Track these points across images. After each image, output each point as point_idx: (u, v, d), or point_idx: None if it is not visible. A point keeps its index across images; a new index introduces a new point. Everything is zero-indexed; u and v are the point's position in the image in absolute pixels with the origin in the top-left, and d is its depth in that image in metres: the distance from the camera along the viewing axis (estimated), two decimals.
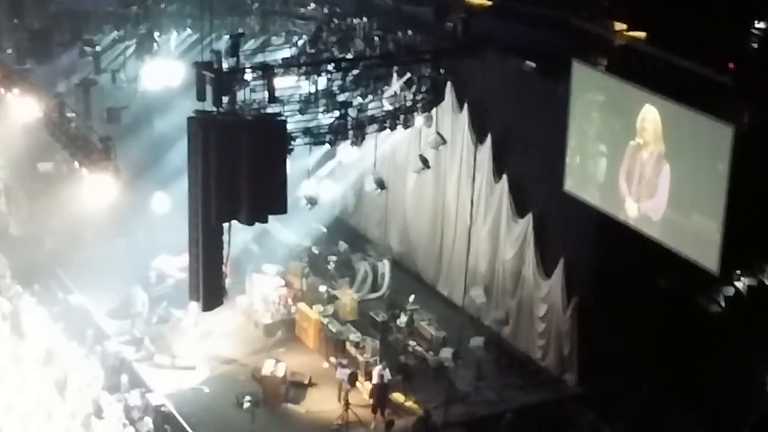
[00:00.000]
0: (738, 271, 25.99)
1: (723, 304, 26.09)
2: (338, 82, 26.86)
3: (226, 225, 23.88)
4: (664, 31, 26.03)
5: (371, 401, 27.74)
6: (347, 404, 27.25)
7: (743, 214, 23.61)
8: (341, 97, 26.55)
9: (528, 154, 29.84)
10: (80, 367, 27.70)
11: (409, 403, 28.09)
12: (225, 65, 23.73)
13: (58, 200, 31.38)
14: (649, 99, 24.98)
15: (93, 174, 24.54)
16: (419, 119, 28.79)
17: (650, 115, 24.95)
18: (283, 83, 25.55)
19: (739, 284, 26.07)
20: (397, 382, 28.12)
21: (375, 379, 27.85)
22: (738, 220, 23.60)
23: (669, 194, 24.83)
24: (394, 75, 29.51)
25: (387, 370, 27.96)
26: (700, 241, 24.42)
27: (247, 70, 24.22)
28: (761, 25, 25.55)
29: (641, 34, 27.13)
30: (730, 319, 25.68)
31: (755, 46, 25.32)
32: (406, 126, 28.23)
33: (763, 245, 25.48)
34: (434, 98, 29.23)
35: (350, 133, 26.57)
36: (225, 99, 23.54)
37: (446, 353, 29.60)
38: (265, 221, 24.56)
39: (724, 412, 24.88)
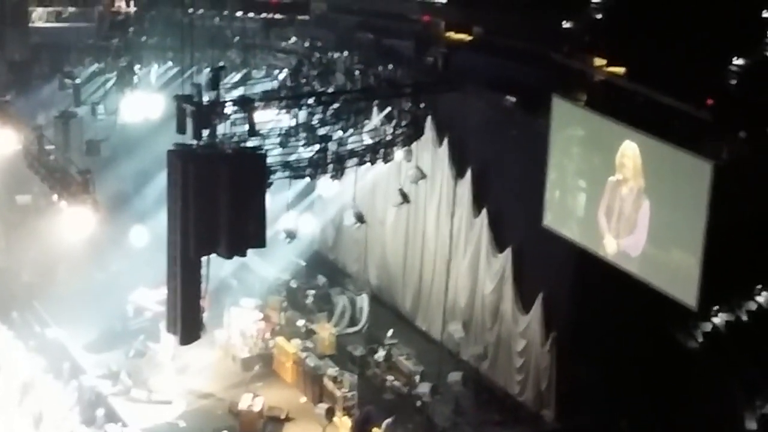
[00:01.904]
0: (716, 307, 26.08)
1: (701, 339, 26.15)
2: (319, 116, 26.88)
3: (204, 258, 23.78)
4: (643, 66, 26.22)
5: None
6: None
7: (722, 250, 23.67)
8: (321, 131, 26.54)
9: (508, 189, 29.86)
10: (56, 401, 27.49)
11: None
12: (205, 98, 23.70)
13: (36, 232, 31.27)
14: (628, 134, 25.05)
15: (71, 206, 24.45)
16: (399, 153, 28.82)
17: (630, 151, 25.01)
18: (264, 117, 25.55)
19: (716, 320, 26.15)
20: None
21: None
22: (717, 256, 23.65)
23: (648, 230, 24.87)
24: (375, 109, 29.57)
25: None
26: (679, 276, 24.45)
27: (228, 104, 24.20)
28: (739, 61, 25.76)
29: (621, 70, 27.34)
30: (708, 355, 25.72)
31: (734, 82, 25.52)
32: (386, 160, 28.24)
33: (741, 281, 25.60)
34: (414, 132, 29.27)
35: (330, 166, 26.54)
36: (205, 132, 23.48)
37: (424, 388, 29.49)
38: (244, 255, 24.46)
39: None
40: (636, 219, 25.12)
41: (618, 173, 25.42)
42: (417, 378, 30.14)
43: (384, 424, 27.13)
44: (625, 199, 25.40)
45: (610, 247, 25.95)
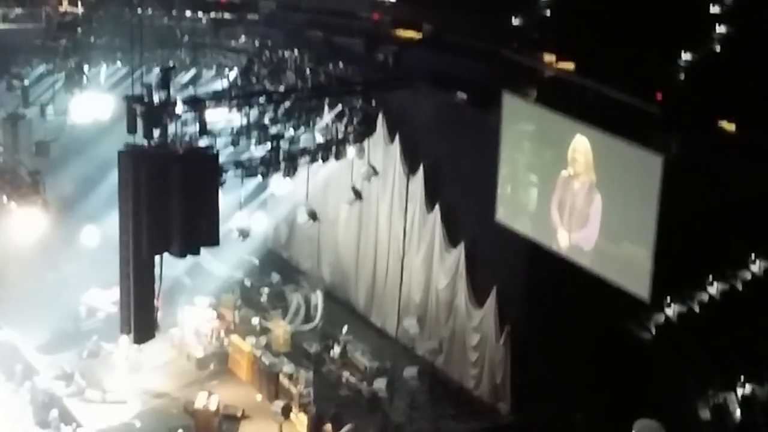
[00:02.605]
0: (668, 299, 26.31)
1: (654, 330, 26.37)
2: (270, 115, 26.95)
3: (157, 258, 23.75)
4: (592, 62, 26.39)
5: None
6: None
7: (673, 242, 23.91)
8: (273, 130, 26.62)
9: (460, 184, 29.96)
10: (9, 403, 27.31)
11: None
12: (156, 98, 23.67)
13: None
14: (579, 129, 25.23)
15: (21, 208, 24.34)
16: (351, 151, 28.91)
17: (581, 146, 25.19)
18: (215, 116, 25.53)
19: (669, 311, 26.39)
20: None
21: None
22: (668, 248, 23.87)
23: (600, 224, 25.07)
24: (326, 107, 29.56)
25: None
26: (631, 269, 24.66)
27: (178, 103, 24.17)
28: (687, 56, 26.01)
29: (570, 66, 27.49)
30: (661, 346, 25.94)
31: (682, 76, 25.75)
32: (338, 158, 28.35)
33: (692, 273, 25.83)
34: (366, 130, 29.38)
35: (282, 165, 26.61)
36: (156, 132, 23.46)
37: (380, 384, 29.58)
38: (197, 254, 24.46)
39: None
40: (588, 213, 25.31)
41: (570, 168, 25.60)
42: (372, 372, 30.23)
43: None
44: (577, 194, 25.59)
45: (563, 241, 26.13)
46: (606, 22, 26.64)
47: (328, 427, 27.44)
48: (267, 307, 33.66)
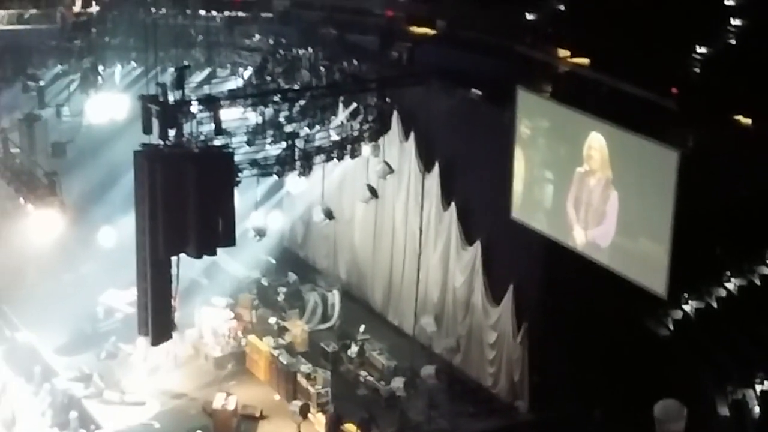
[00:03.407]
0: (685, 295, 26.23)
1: (671, 327, 26.29)
2: (285, 113, 26.86)
3: (174, 258, 23.75)
4: (607, 57, 26.32)
5: None
6: None
7: (690, 238, 23.82)
8: (288, 128, 26.54)
9: (475, 182, 29.90)
10: (28, 405, 27.37)
11: None
12: (171, 98, 23.68)
13: (3, 236, 31.03)
14: (594, 125, 25.14)
15: (38, 209, 24.38)
16: (366, 149, 28.85)
17: (596, 142, 25.10)
18: (230, 115, 25.51)
19: (687, 307, 26.31)
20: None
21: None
22: (685, 244, 23.79)
23: (617, 221, 24.98)
24: (341, 105, 29.53)
25: None
26: (648, 265, 24.57)
27: (193, 103, 24.18)
28: (703, 50, 25.91)
29: (585, 61, 27.43)
30: (679, 342, 25.86)
31: (697, 70, 25.66)
32: (353, 156, 28.28)
33: (709, 268, 25.75)
34: (381, 127, 29.31)
35: (297, 163, 26.55)
36: (171, 132, 23.46)
37: (398, 383, 29.51)
38: (214, 254, 24.45)
39: None
40: (604, 210, 25.22)
41: (585, 164, 25.51)
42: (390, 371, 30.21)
43: None
44: (593, 191, 25.50)
45: (579, 238, 26.05)
46: (620, 17, 26.57)
47: (348, 426, 27.43)
48: (284, 307, 33.60)
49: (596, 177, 25.35)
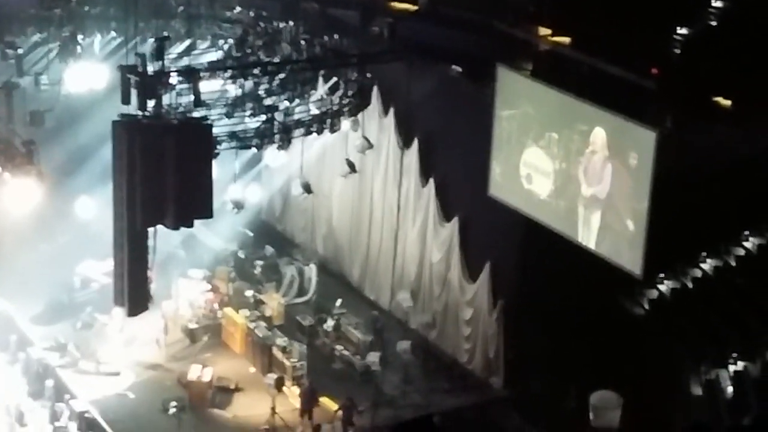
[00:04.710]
0: (661, 275, 26.33)
1: (647, 306, 26.41)
2: (265, 86, 26.80)
3: (151, 229, 23.73)
4: (588, 36, 26.29)
5: (299, 406, 27.65)
6: (274, 409, 27.13)
7: (666, 218, 23.90)
8: (268, 101, 26.48)
9: (454, 158, 29.94)
10: (3, 374, 27.32)
11: (336, 407, 27.97)
12: (150, 69, 23.59)
13: None
14: (573, 103, 25.20)
15: (15, 178, 24.27)
16: (346, 123, 28.82)
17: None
18: (209, 87, 25.45)
19: (662, 287, 26.43)
20: None
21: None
22: (661, 224, 23.88)
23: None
24: (321, 79, 29.48)
25: None
26: (624, 244, 24.68)
27: (173, 74, 24.10)
28: (683, 30, 25.92)
29: (566, 40, 27.39)
30: (654, 322, 25.98)
31: (678, 51, 25.67)
32: (332, 130, 28.24)
33: (685, 248, 25.85)
34: (361, 102, 29.28)
35: (277, 137, 26.50)
36: (150, 103, 23.41)
37: (373, 357, 29.62)
38: (191, 226, 24.44)
39: (650, 413, 25.13)
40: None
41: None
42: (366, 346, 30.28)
43: None
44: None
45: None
46: None
47: (323, 400, 27.51)
48: (261, 280, 33.61)
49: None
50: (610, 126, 24.64)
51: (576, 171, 26.02)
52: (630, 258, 24.62)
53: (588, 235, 25.97)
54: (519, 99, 27.09)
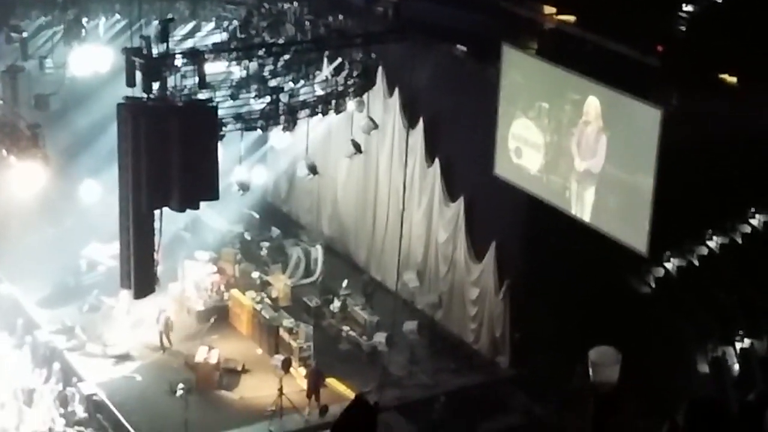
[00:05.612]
0: (667, 252, 26.31)
1: (653, 284, 26.40)
2: (269, 68, 26.77)
3: (157, 212, 23.75)
4: (593, 14, 26.24)
5: (306, 387, 27.69)
6: (281, 390, 27.19)
7: (672, 196, 23.88)
8: (273, 83, 26.47)
9: (460, 138, 29.90)
10: (10, 357, 27.39)
11: (343, 388, 28.03)
12: (155, 51, 23.58)
13: None
14: (578, 82, 25.14)
15: (21, 161, 24.26)
16: (351, 104, 28.79)
17: (584, 98, 25.11)
18: (214, 69, 25.43)
19: (668, 265, 26.41)
20: None
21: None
22: (667, 202, 23.85)
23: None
24: (325, 60, 29.44)
25: None
26: (630, 222, 24.66)
27: (177, 56, 24.10)
28: (689, 8, 25.85)
29: (571, 18, 27.34)
30: (660, 300, 25.97)
31: (683, 29, 25.61)
32: (337, 111, 28.22)
33: (691, 226, 25.83)
34: (365, 83, 29.23)
35: (282, 118, 26.49)
36: (155, 85, 23.42)
37: (380, 338, 29.65)
38: (197, 208, 24.46)
39: (657, 391, 25.12)
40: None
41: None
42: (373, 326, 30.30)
43: None
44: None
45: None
46: None
47: (329, 381, 27.55)
48: (267, 261, 33.63)
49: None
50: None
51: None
52: (635, 236, 24.57)
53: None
54: (524, 77, 27.01)
